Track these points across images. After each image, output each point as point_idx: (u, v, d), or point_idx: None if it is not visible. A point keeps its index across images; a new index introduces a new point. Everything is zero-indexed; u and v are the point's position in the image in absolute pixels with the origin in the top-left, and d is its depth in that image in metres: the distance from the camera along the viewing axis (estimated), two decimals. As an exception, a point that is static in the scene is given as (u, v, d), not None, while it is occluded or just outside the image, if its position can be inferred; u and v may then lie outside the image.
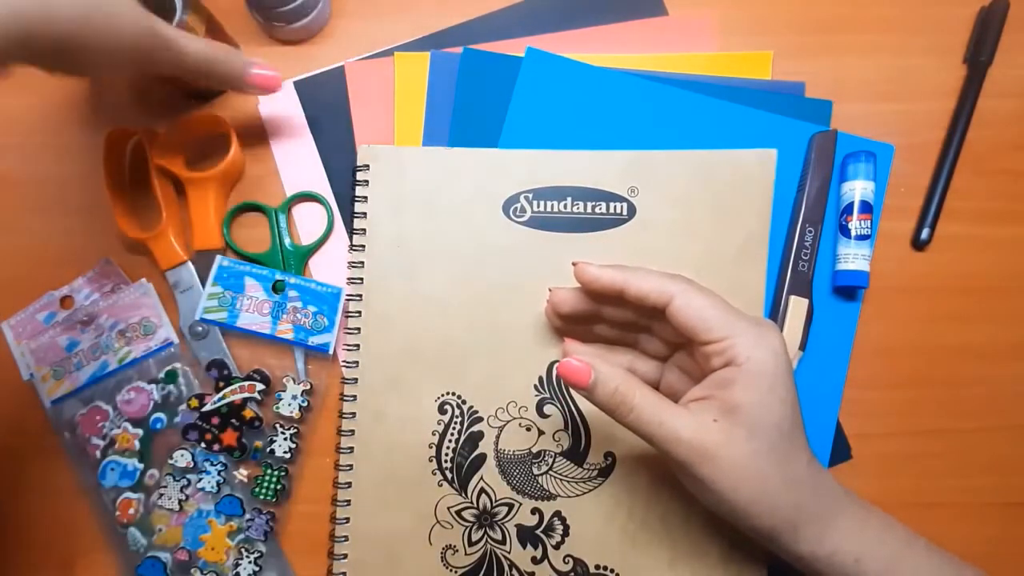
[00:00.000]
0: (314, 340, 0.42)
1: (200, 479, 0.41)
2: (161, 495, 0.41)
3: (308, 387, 0.42)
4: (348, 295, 0.43)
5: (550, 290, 0.38)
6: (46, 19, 0.29)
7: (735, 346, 0.31)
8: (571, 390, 0.41)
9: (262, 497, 0.41)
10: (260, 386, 0.42)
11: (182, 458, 0.42)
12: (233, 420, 0.42)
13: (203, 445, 0.42)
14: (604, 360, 0.33)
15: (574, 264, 0.35)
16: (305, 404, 0.42)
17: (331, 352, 0.42)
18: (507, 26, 0.47)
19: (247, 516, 0.41)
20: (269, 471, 0.41)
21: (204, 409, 0.42)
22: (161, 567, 0.40)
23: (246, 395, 0.42)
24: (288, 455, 0.42)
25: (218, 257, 0.43)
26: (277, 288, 0.43)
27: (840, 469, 0.43)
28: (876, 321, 0.44)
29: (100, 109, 0.47)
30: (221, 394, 0.42)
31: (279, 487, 0.41)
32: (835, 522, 0.32)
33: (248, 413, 0.42)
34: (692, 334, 0.32)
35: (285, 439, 0.42)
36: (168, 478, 0.41)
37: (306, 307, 0.42)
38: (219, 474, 0.41)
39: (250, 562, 0.41)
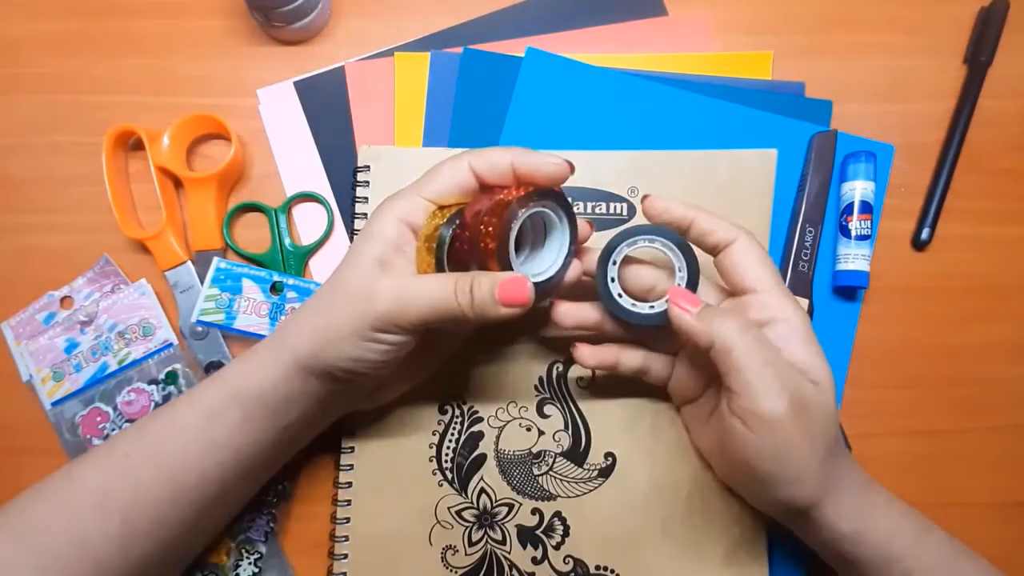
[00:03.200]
0: None
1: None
2: None
3: None
4: (348, 295, 0.43)
5: (552, 303, 0.37)
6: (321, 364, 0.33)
7: (777, 302, 0.32)
8: (571, 389, 0.41)
9: (263, 497, 0.41)
10: None
11: None
12: None
13: None
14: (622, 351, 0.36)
15: (644, 199, 0.35)
16: None
17: None
18: (507, 26, 0.47)
19: (247, 517, 0.41)
20: (269, 472, 0.41)
21: None
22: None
23: None
24: (288, 455, 0.42)
25: (215, 259, 0.43)
26: (276, 289, 0.43)
27: (840, 469, 0.43)
28: (876, 321, 0.44)
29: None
30: None
31: (279, 487, 0.41)
32: (869, 497, 0.33)
33: None
34: (742, 277, 0.33)
35: (285, 439, 0.42)
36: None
37: None
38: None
39: (250, 563, 0.40)
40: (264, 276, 0.43)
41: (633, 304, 0.35)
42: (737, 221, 0.34)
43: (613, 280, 0.35)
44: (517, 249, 0.32)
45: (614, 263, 0.35)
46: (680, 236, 0.34)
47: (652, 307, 0.35)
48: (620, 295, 0.35)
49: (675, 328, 0.33)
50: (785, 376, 0.30)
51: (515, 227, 0.31)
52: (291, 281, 0.43)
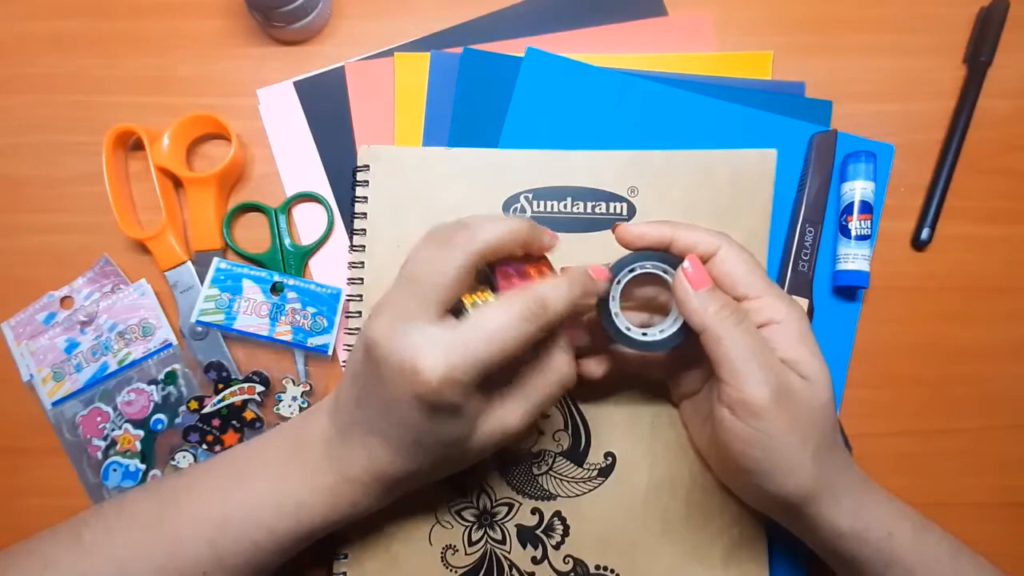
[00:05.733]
0: (313, 341, 0.42)
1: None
2: None
3: (308, 388, 0.42)
4: (348, 295, 0.43)
5: (562, 270, 0.37)
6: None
7: (771, 306, 0.32)
8: (572, 391, 0.41)
9: None
10: (260, 388, 0.42)
11: (184, 459, 0.42)
12: (234, 422, 0.42)
13: (204, 447, 0.42)
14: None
15: (614, 228, 0.35)
16: (305, 405, 0.42)
17: (330, 353, 0.42)
18: (507, 26, 0.47)
19: None
20: (269, 471, 0.41)
21: (204, 411, 0.42)
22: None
23: (246, 397, 0.42)
24: (288, 455, 0.42)
25: (215, 259, 0.43)
26: (276, 290, 0.43)
27: (840, 469, 0.43)
28: (876, 321, 0.44)
29: None
30: (220, 396, 0.42)
31: None
32: (868, 495, 0.33)
33: (248, 415, 0.42)
34: (732, 286, 0.33)
35: (285, 439, 0.42)
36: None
37: (305, 308, 0.42)
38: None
39: None
40: (264, 276, 0.43)
41: (644, 333, 0.35)
42: (714, 227, 0.34)
43: (618, 315, 0.35)
44: None
45: (614, 299, 0.35)
46: (670, 256, 0.34)
47: (661, 331, 0.35)
48: (628, 328, 0.35)
49: (675, 298, 0.33)
50: (771, 367, 0.31)
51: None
52: (291, 282, 0.43)
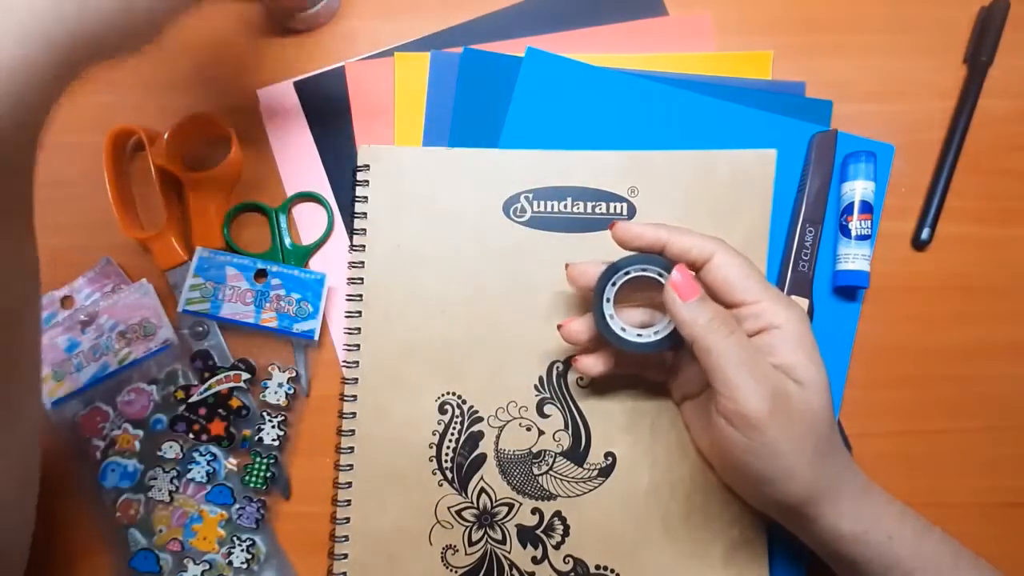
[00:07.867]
0: (299, 327, 0.42)
1: (190, 470, 0.41)
2: (151, 487, 0.41)
3: (294, 374, 0.42)
4: (348, 295, 0.43)
5: (567, 265, 0.38)
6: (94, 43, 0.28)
7: (769, 311, 0.32)
8: (571, 389, 0.41)
9: (252, 485, 0.41)
10: (245, 375, 0.42)
11: (171, 449, 0.42)
12: (220, 410, 0.42)
13: (192, 436, 0.42)
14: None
15: (612, 226, 0.35)
16: (291, 391, 0.42)
17: (316, 338, 0.43)
18: (507, 26, 0.47)
19: (238, 505, 0.41)
20: (258, 459, 0.41)
21: (191, 400, 0.42)
22: (154, 558, 0.41)
23: (232, 384, 0.42)
24: (276, 443, 0.42)
25: (198, 248, 0.43)
26: (260, 276, 0.43)
27: (840, 469, 0.43)
28: (876, 321, 0.44)
29: None
30: (207, 384, 0.42)
31: (269, 475, 0.41)
32: (868, 498, 0.33)
33: (235, 402, 0.42)
34: (729, 292, 0.33)
35: (273, 427, 0.42)
36: (158, 470, 0.41)
37: (289, 294, 0.43)
38: (209, 464, 0.42)
39: (242, 550, 0.41)
40: (247, 264, 0.43)
41: (638, 335, 0.35)
42: (714, 227, 0.35)
43: (612, 317, 0.35)
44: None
45: (608, 300, 0.35)
46: (666, 260, 0.34)
47: (656, 333, 0.35)
48: (623, 329, 0.35)
49: (666, 308, 0.33)
50: (764, 377, 0.31)
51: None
52: (275, 268, 0.43)
